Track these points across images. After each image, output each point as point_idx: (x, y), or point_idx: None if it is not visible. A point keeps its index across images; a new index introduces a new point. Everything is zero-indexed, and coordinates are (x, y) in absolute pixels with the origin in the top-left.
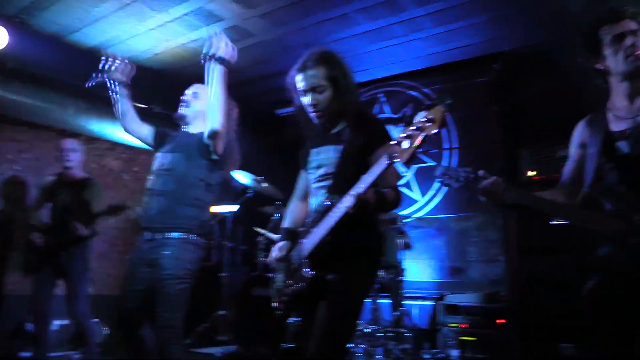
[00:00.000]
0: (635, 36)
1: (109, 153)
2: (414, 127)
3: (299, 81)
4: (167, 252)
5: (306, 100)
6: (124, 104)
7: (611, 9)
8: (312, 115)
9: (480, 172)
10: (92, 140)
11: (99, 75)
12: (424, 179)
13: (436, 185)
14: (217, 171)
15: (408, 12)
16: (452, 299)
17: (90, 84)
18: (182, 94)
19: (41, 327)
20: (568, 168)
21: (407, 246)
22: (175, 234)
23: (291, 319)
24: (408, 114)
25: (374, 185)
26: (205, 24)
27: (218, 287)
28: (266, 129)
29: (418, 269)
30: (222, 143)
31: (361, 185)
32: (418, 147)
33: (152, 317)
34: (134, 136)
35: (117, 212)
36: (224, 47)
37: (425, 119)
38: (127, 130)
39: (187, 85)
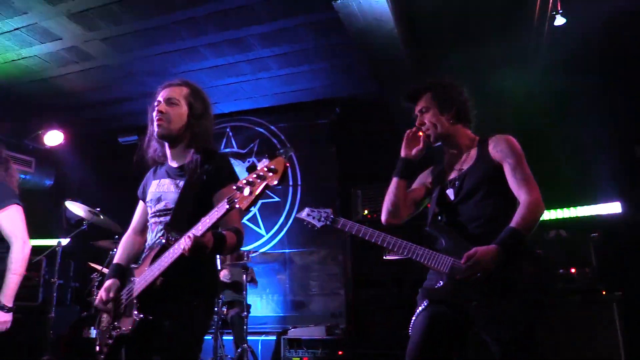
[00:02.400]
0: (425, 112)
1: None
2: (256, 175)
3: (157, 95)
4: None
5: (154, 110)
6: None
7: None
8: (156, 125)
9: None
10: None
11: None
12: (269, 214)
13: (281, 220)
14: None
15: (255, 52)
16: (294, 332)
17: None
18: (10, 113)
19: None
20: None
21: (253, 281)
22: None
23: None
24: (255, 150)
25: (214, 227)
26: (39, 42)
27: (44, 329)
28: (107, 157)
29: (262, 303)
30: None
31: (199, 227)
32: (259, 195)
33: None
34: None
35: None
36: None
37: (267, 169)
38: None
39: (17, 105)
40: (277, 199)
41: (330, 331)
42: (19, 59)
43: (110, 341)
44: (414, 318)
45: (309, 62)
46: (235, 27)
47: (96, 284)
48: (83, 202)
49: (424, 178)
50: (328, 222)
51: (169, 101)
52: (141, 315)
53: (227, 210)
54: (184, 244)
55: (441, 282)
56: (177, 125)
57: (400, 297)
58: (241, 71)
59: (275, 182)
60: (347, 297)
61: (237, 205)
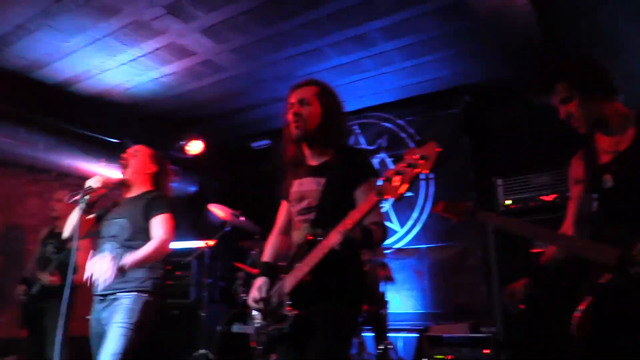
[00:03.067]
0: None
1: (80, 189)
2: (406, 164)
3: (289, 97)
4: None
5: (289, 113)
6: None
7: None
8: (292, 128)
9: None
10: (63, 176)
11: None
12: (403, 209)
13: (415, 215)
14: None
15: (378, 47)
16: (436, 330)
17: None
18: (155, 128)
19: None
20: (571, 207)
21: (389, 279)
22: (124, 294)
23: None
24: (384, 146)
25: (360, 221)
26: (177, 59)
27: (197, 325)
28: (241, 162)
29: (400, 300)
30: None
31: (347, 222)
32: (410, 185)
33: None
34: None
35: None
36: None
37: (418, 156)
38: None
39: (160, 120)
40: (410, 193)
41: (474, 329)
42: (160, 77)
43: (265, 337)
44: (577, 315)
45: (434, 51)
46: (356, 24)
47: (241, 282)
48: (224, 206)
49: (575, 173)
50: (467, 217)
51: (301, 102)
52: (294, 312)
53: (376, 202)
54: (333, 239)
55: (607, 276)
56: (313, 124)
57: (552, 292)
58: (365, 67)
59: (428, 170)
60: (490, 293)
61: (386, 197)
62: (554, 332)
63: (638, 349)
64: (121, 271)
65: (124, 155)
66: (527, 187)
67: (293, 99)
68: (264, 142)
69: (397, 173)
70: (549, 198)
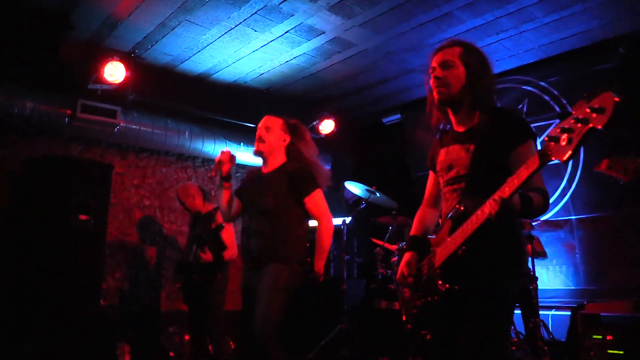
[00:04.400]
0: None
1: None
2: (574, 120)
3: (430, 61)
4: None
5: (431, 78)
6: (224, 195)
7: None
8: (435, 92)
9: None
10: (208, 162)
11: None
12: (549, 178)
13: (563, 184)
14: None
15: (516, 3)
16: (593, 308)
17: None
18: (288, 110)
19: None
20: None
21: (541, 254)
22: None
23: (422, 333)
24: (524, 111)
25: (520, 188)
26: (306, 39)
27: (339, 300)
28: (374, 138)
29: (549, 276)
30: None
31: (506, 189)
32: (580, 143)
33: None
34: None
35: None
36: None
37: (590, 109)
38: (228, 219)
39: (292, 102)
40: (555, 160)
41: (638, 308)
42: (291, 59)
43: (414, 311)
44: None
45: (579, 0)
46: None
47: (380, 258)
48: (359, 182)
49: None
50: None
51: (444, 64)
52: (446, 285)
53: (539, 166)
54: (489, 208)
55: None
56: (457, 87)
57: None
58: (502, 27)
59: (604, 124)
60: None
61: (553, 158)
62: None
63: None
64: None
65: (258, 130)
66: None
67: (434, 63)
68: (395, 117)
69: (564, 131)
70: None
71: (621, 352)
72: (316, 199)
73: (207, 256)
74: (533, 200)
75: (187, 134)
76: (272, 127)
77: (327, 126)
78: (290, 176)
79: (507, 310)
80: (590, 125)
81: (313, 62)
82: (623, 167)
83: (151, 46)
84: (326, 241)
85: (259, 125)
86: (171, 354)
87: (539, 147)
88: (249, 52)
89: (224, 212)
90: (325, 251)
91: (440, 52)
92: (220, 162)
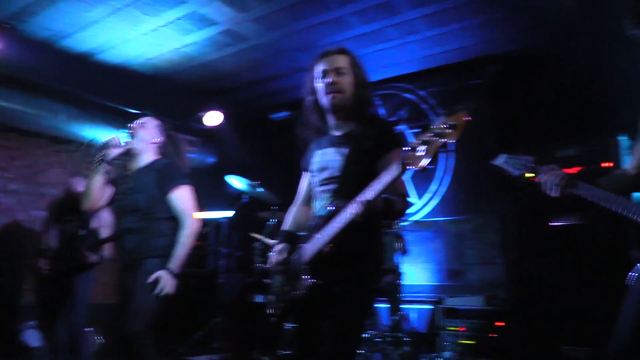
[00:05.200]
0: None
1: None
2: (432, 133)
3: (320, 65)
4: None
5: (323, 82)
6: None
7: None
8: (329, 96)
9: (549, 165)
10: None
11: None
12: (422, 181)
13: (433, 188)
14: None
15: (402, 15)
16: (450, 302)
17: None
18: (175, 99)
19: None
20: (637, 149)
21: (404, 250)
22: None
23: (288, 326)
24: (404, 117)
25: (383, 192)
26: (198, 28)
27: (214, 293)
28: (260, 133)
29: (416, 272)
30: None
31: (370, 192)
32: (436, 154)
33: None
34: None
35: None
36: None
37: (445, 125)
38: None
39: (180, 91)
40: (414, 168)
41: (489, 301)
42: (181, 47)
43: (281, 304)
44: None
45: (461, 19)
46: None
47: (258, 252)
48: (242, 177)
49: None
50: (528, 171)
51: (338, 70)
52: (312, 280)
53: (400, 173)
54: (354, 209)
55: None
56: (348, 94)
57: (572, 266)
58: (388, 36)
59: (455, 138)
60: (508, 266)
61: (410, 167)
62: (567, 305)
63: None
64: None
65: (132, 126)
66: (551, 159)
67: (327, 67)
68: (284, 114)
69: (423, 143)
70: (573, 171)
71: (473, 342)
72: (180, 197)
73: (96, 257)
74: (394, 203)
75: (63, 115)
76: (146, 125)
77: (214, 118)
78: (159, 173)
79: (367, 305)
80: (445, 139)
81: (204, 52)
82: (516, 163)
83: (29, 18)
84: (186, 240)
85: (135, 122)
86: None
87: None
88: (137, 36)
89: (91, 198)
90: (183, 250)
91: (331, 57)
92: (106, 145)
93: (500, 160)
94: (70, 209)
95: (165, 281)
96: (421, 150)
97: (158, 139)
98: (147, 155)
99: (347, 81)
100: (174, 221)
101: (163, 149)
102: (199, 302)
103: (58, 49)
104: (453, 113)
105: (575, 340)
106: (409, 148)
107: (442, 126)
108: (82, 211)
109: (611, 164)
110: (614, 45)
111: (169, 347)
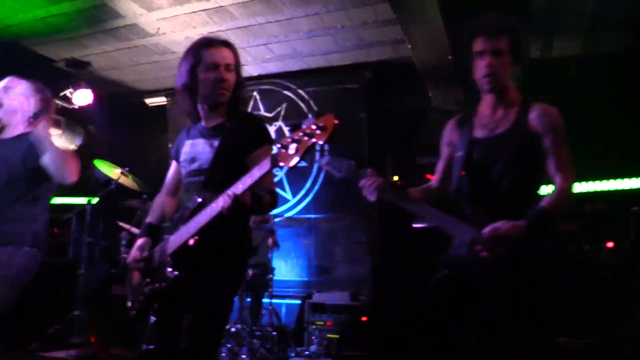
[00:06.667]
0: (498, 56)
1: None
2: (303, 133)
3: (208, 56)
4: None
5: (215, 75)
6: None
7: (484, 23)
8: (219, 92)
9: (368, 170)
10: None
11: None
12: (296, 179)
13: (307, 185)
14: (44, 182)
15: (286, 13)
16: (319, 297)
17: None
18: (41, 72)
19: None
20: (439, 167)
21: (276, 245)
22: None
23: (150, 319)
24: (282, 114)
25: (252, 187)
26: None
27: (74, 285)
28: (134, 118)
29: (286, 268)
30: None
31: (239, 186)
32: (305, 154)
33: None
34: None
35: None
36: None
37: (315, 126)
38: None
39: (47, 64)
40: (304, 163)
41: (354, 297)
42: (48, 17)
43: (142, 297)
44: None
45: (342, 23)
46: None
47: (124, 242)
48: (111, 162)
49: (449, 136)
50: (349, 175)
51: (228, 67)
52: (175, 273)
53: (270, 169)
54: (222, 202)
55: (461, 252)
56: (231, 91)
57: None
58: (272, 32)
59: (324, 140)
60: (373, 264)
61: (281, 164)
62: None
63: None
64: None
65: None
66: (414, 165)
67: (218, 61)
68: (160, 99)
69: (293, 141)
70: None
71: (337, 336)
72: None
73: None
74: (263, 199)
75: None
76: (14, 89)
77: (83, 97)
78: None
79: (229, 299)
80: (314, 139)
81: (74, 25)
82: (339, 166)
83: None
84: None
85: None
86: None
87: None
88: None
89: None
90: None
91: (221, 50)
92: None
93: (324, 161)
94: None
95: None
96: (292, 148)
97: (30, 107)
98: (16, 127)
99: (232, 79)
100: (37, 204)
101: (35, 118)
102: (56, 294)
103: None
104: (323, 115)
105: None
106: (280, 145)
107: (312, 127)
108: None
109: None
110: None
111: (20, 342)
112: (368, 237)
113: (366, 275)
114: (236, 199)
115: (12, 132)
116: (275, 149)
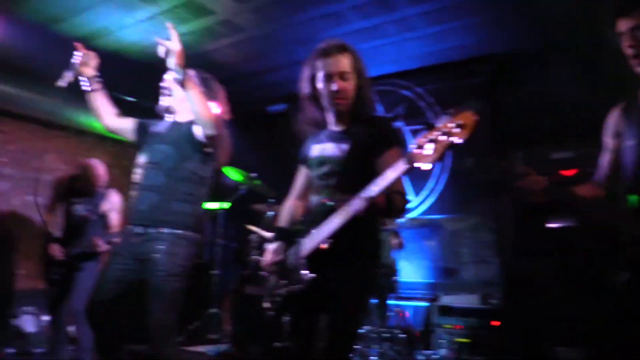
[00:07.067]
0: None
1: (97, 147)
2: (440, 132)
3: (323, 65)
4: (161, 247)
5: (330, 86)
6: (97, 99)
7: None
8: (335, 102)
9: (526, 169)
10: (81, 133)
11: (70, 73)
12: (418, 179)
13: (430, 185)
14: (209, 163)
15: (401, 12)
16: (446, 300)
17: (62, 84)
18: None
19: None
20: (605, 160)
21: (400, 246)
22: (168, 230)
23: (284, 319)
24: (401, 114)
25: (385, 189)
26: (195, 17)
27: (210, 284)
28: (257, 126)
29: (411, 269)
30: (219, 140)
31: (374, 189)
32: (443, 153)
33: (124, 311)
34: (114, 131)
35: None
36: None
37: (454, 124)
38: (105, 126)
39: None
40: (420, 165)
41: (484, 300)
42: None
43: (277, 298)
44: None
45: (458, 18)
46: None
47: (254, 244)
48: (239, 169)
49: (615, 126)
50: (503, 176)
51: (343, 76)
52: (310, 275)
53: (406, 170)
54: (357, 205)
55: None
56: (352, 97)
57: (567, 268)
58: (386, 33)
59: (463, 139)
60: (503, 266)
61: (417, 165)
62: (559, 305)
63: None
64: None
65: (167, 84)
66: (547, 161)
67: (332, 70)
68: (280, 107)
69: (430, 141)
70: (569, 173)
71: (468, 340)
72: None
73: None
74: (395, 201)
75: (59, 100)
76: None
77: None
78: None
79: (364, 301)
80: (453, 138)
81: (201, 41)
82: (489, 169)
83: (25, 2)
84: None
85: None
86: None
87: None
88: (133, 22)
89: (102, 118)
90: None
91: (336, 57)
92: (84, 58)
93: (469, 163)
94: (79, 191)
95: None
96: (428, 148)
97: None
98: (184, 114)
99: (351, 86)
100: (201, 185)
101: None
102: (195, 293)
103: (54, 33)
104: (460, 112)
105: (568, 341)
106: (416, 146)
107: (449, 125)
108: (92, 193)
109: None
110: (615, 44)
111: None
112: (497, 237)
113: (494, 277)
114: (371, 201)
115: (183, 118)
116: (410, 150)
